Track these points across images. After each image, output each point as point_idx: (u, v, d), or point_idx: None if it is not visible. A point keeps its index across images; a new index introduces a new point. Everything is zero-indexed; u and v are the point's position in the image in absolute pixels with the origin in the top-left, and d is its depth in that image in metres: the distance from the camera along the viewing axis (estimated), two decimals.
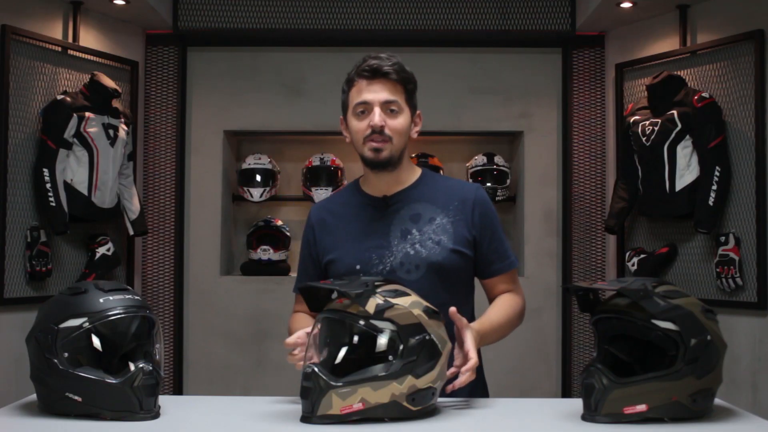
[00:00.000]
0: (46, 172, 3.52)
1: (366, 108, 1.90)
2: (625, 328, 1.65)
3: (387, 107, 1.90)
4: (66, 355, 1.60)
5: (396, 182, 1.98)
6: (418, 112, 1.99)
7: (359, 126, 1.91)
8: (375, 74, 1.91)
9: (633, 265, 3.88)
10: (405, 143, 1.95)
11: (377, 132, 1.89)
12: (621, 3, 3.79)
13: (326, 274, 2.01)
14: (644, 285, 1.62)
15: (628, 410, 1.57)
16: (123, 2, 3.83)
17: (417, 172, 2.03)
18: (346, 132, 2.00)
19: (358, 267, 1.92)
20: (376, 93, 1.90)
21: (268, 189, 4.42)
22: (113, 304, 1.64)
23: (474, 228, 1.97)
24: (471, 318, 1.96)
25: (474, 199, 1.98)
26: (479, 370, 2.01)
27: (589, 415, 1.59)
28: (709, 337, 1.59)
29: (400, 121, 1.92)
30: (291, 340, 1.76)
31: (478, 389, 1.98)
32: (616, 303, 1.66)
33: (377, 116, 1.88)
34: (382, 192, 1.99)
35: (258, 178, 4.42)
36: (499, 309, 1.98)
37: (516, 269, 2.08)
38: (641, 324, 1.60)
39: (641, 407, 1.57)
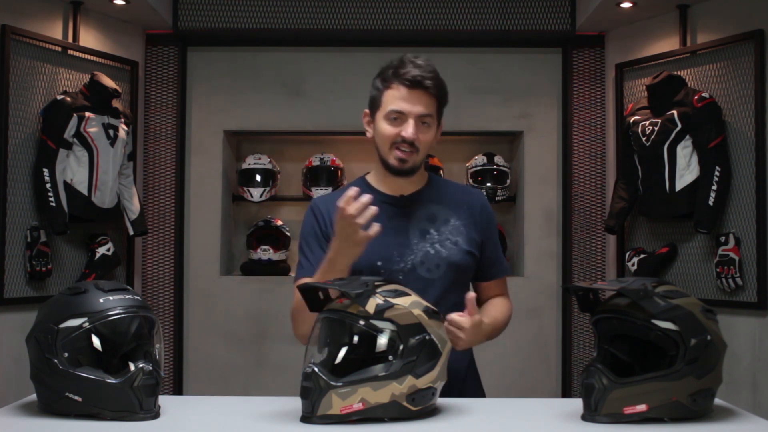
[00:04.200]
0: (46, 172, 3.52)
1: (400, 117, 1.91)
2: (625, 328, 1.65)
3: (421, 120, 1.92)
4: (66, 355, 1.60)
5: (410, 183, 2.02)
6: (442, 122, 2.02)
7: (390, 132, 1.92)
8: (416, 85, 1.90)
9: (633, 265, 3.88)
10: (426, 153, 1.99)
11: (407, 143, 1.91)
12: (621, 3, 3.79)
13: None
14: (644, 285, 1.62)
15: (628, 410, 1.57)
16: (123, 2, 3.83)
17: (425, 175, 2.08)
18: (368, 127, 2.01)
19: (379, 263, 1.93)
20: (413, 105, 1.90)
21: (268, 189, 4.42)
22: (113, 304, 1.64)
23: (480, 233, 2.03)
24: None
25: (480, 205, 2.07)
26: (473, 367, 2.07)
27: (589, 414, 1.59)
28: (709, 337, 1.59)
29: (431, 134, 1.95)
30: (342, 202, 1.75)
31: (472, 387, 2.04)
32: (616, 303, 1.66)
33: (411, 129, 1.90)
34: (398, 191, 2.01)
35: (258, 178, 4.42)
36: (497, 309, 2.05)
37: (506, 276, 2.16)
38: (641, 324, 1.60)
39: (641, 407, 1.57)
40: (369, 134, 2.01)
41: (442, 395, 1.68)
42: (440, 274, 1.95)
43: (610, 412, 1.57)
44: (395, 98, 1.91)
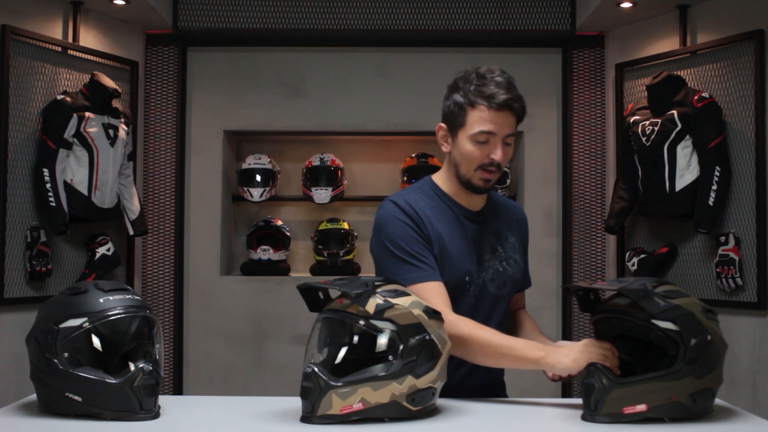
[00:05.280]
0: (46, 172, 3.51)
1: (489, 138, 1.87)
2: (625, 328, 1.65)
3: (506, 140, 1.90)
4: (66, 355, 1.60)
5: (480, 198, 2.01)
6: None
7: (477, 154, 1.88)
8: (503, 107, 1.87)
9: (633, 265, 3.87)
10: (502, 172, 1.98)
11: (494, 165, 1.89)
12: (621, 3, 3.79)
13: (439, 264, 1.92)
14: (644, 285, 1.62)
15: (628, 410, 1.57)
16: (123, 2, 3.83)
17: None
18: (445, 142, 1.96)
19: (467, 278, 1.93)
20: (502, 126, 1.87)
21: (268, 189, 4.42)
22: (113, 304, 1.64)
23: (524, 246, 2.11)
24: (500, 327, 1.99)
25: (524, 219, 2.15)
26: (500, 371, 2.09)
27: (589, 414, 1.60)
28: (709, 338, 1.59)
29: (511, 151, 1.94)
30: None
31: (497, 387, 2.11)
32: (616, 303, 1.66)
33: (500, 152, 1.88)
34: (473, 206, 1.99)
35: (258, 178, 4.42)
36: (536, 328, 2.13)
37: None
38: (641, 324, 1.60)
39: (641, 407, 1.57)
40: (445, 149, 1.96)
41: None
42: (506, 291, 2.00)
43: (610, 412, 1.57)
44: (482, 120, 1.87)
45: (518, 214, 2.13)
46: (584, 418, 1.61)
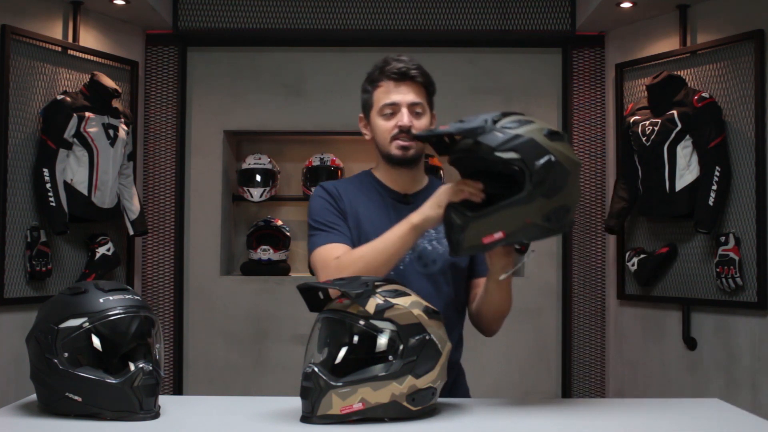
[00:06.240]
0: (46, 172, 3.51)
1: (393, 109, 1.98)
2: (476, 165, 1.72)
3: (413, 109, 1.99)
4: (66, 355, 1.60)
5: (414, 181, 2.07)
6: (434, 113, 2.07)
7: (386, 125, 1.99)
8: (402, 77, 1.99)
9: (633, 265, 3.88)
10: (425, 144, 2.02)
11: (405, 132, 1.97)
12: (621, 3, 3.79)
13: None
14: (484, 121, 1.66)
15: (487, 239, 1.65)
16: (123, 2, 3.83)
17: (426, 178, 2.13)
18: (366, 130, 2.08)
19: None
20: (404, 95, 1.98)
21: (268, 189, 4.43)
22: (113, 304, 1.64)
23: None
24: (462, 314, 2.08)
25: None
26: (460, 371, 2.09)
27: (454, 250, 1.70)
28: (553, 158, 1.63)
29: (424, 122, 2.01)
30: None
31: (460, 389, 2.06)
32: (465, 141, 1.70)
33: (406, 117, 1.97)
34: (402, 189, 2.06)
35: (258, 178, 4.42)
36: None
37: None
38: (488, 158, 1.65)
39: (498, 235, 1.65)
40: (368, 137, 2.07)
41: None
42: (435, 270, 1.99)
43: (471, 245, 1.66)
44: (385, 93, 1.99)
45: None
46: (450, 254, 1.71)
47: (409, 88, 1.99)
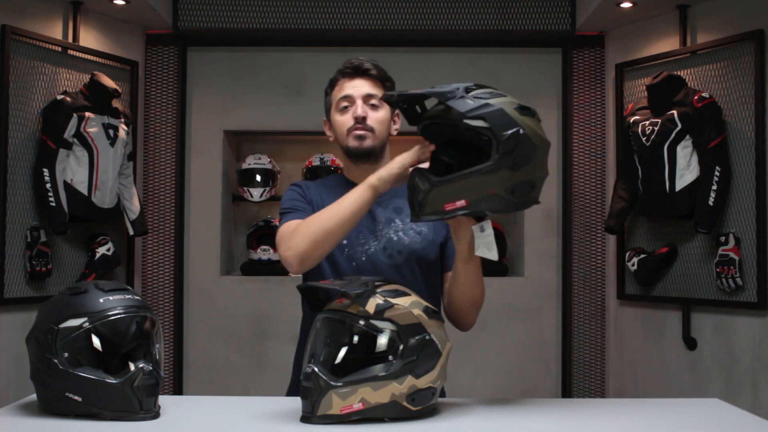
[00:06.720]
0: (46, 172, 3.51)
1: (349, 102, 2.02)
2: (444, 132, 1.71)
3: (368, 101, 2.02)
4: (66, 355, 1.60)
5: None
6: (396, 111, 2.08)
7: (342, 119, 2.02)
8: (356, 72, 2.04)
9: (633, 265, 3.88)
10: (386, 137, 2.06)
11: (360, 122, 1.99)
12: (621, 3, 3.79)
13: None
14: (457, 88, 1.66)
15: (449, 206, 1.64)
16: (123, 2, 3.83)
17: None
18: (329, 131, 2.11)
19: (345, 242, 1.98)
20: (357, 87, 2.02)
21: (268, 189, 4.43)
22: (113, 304, 1.64)
23: (445, 225, 2.06)
24: (438, 305, 2.04)
25: None
26: None
27: (416, 215, 1.69)
28: (521, 131, 1.63)
29: (381, 114, 2.03)
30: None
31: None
32: (435, 108, 1.70)
33: (360, 107, 2.01)
34: None
35: (258, 178, 4.42)
36: None
37: None
38: (457, 125, 1.64)
39: (461, 203, 1.64)
40: (331, 138, 2.10)
41: None
42: (401, 261, 1.99)
43: (433, 211, 1.65)
44: (341, 89, 2.04)
45: None
46: (411, 220, 1.71)
47: (363, 81, 2.03)
